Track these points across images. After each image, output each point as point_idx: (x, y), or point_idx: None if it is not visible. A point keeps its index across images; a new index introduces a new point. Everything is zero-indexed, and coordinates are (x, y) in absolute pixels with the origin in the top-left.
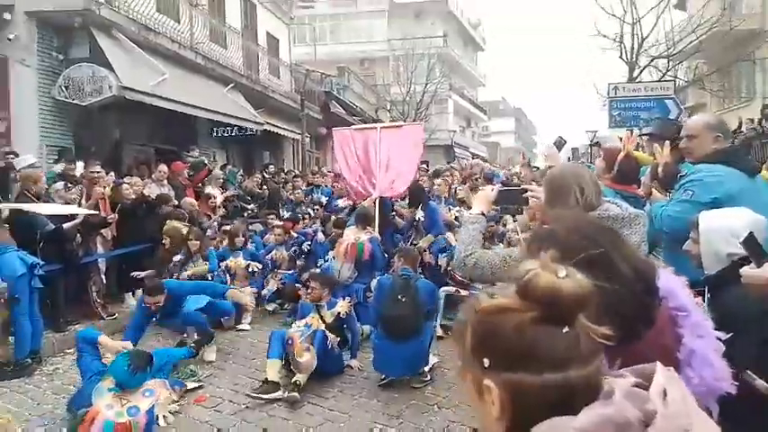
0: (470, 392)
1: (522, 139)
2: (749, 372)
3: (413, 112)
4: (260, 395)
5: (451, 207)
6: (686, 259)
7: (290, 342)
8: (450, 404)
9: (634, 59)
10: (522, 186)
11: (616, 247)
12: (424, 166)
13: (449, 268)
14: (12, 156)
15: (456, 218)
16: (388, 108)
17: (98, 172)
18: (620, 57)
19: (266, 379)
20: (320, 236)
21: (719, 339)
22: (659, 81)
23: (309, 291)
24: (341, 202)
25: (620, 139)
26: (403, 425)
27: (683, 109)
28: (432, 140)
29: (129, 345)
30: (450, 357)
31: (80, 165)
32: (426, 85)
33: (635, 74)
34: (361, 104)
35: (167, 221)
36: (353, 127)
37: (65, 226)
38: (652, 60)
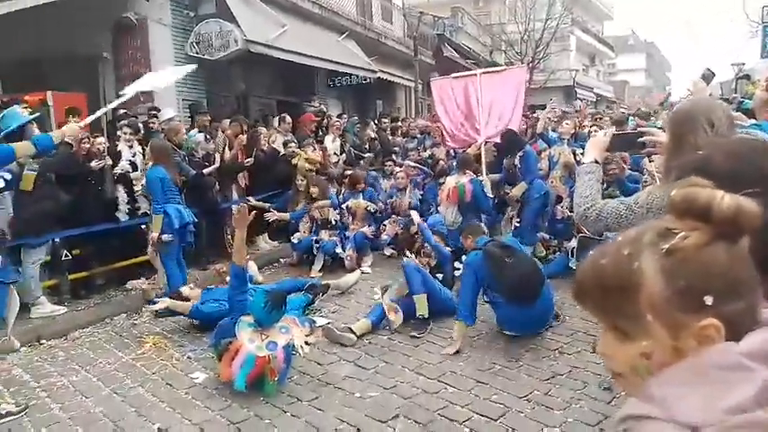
0: (656, 337)
1: (654, 77)
2: None
3: (531, 51)
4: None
5: (576, 149)
6: None
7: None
8: (572, 350)
9: None
10: (638, 130)
11: None
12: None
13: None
14: (155, 111)
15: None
16: (504, 49)
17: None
18: None
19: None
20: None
21: None
22: None
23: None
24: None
25: None
26: (522, 367)
27: None
28: (551, 81)
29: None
30: (571, 303)
31: (170, 111)
32: (546, 21)
33: None
34: (475, 47)
35: (299, 164)
36: (452, 75)
37: (204, 171)
38: None
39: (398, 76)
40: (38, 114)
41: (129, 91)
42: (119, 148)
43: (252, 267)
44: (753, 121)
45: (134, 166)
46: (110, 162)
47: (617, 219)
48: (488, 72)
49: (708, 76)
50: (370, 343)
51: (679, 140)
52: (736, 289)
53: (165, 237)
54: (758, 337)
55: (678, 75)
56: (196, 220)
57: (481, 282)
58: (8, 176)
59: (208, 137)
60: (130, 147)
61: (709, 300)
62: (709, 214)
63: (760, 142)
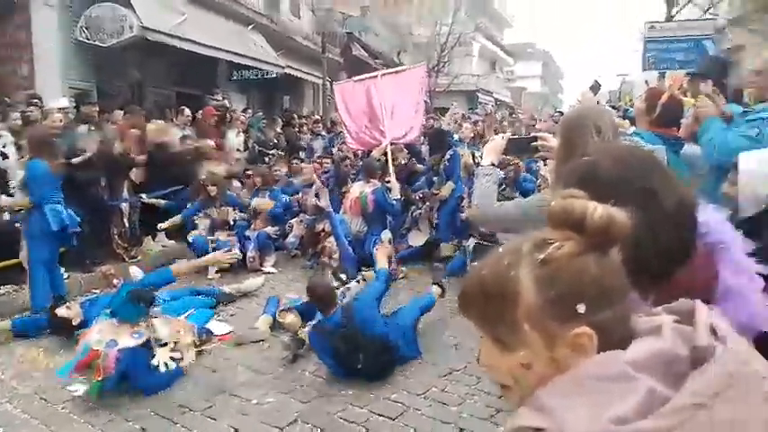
0: (533, 346)
1: (549, 85)
2: None
3: (436, 55)
4: None
5: (475, 152)
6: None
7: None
8: (468, 345)
9: None
10: (532, 134)
11: (661, 179)
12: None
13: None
14: (35, 99)
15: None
16: (411, 51)
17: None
18: None
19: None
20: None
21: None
22: (698, 20)
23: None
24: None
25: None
26: (421, 364)
27: (722, 50)
28: (455, 85)
29: None
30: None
31: (63, 100)
32: (452, 24)
33: (673, 12)
34: (383, 47)
35: (207, 169)
36: (354, 78)
37: (74, 161)
38: None
39: (306, 73)
40: None
41: None
42: None
43: (136, 271)
44: (633, 128)
45: (3, 156)
46: None
47: (512, 220)
48: (389, 74)
49: (595, 87)
50: (269, 347)
51: (569, 145)
52: (607, 297)
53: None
54: (644, 346)
55: (570, 83)
56: (79, 220)
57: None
58: None
59: (92, 128)
60: None
61: (581, 308)
62: (583, 225)
63: (646, 152)
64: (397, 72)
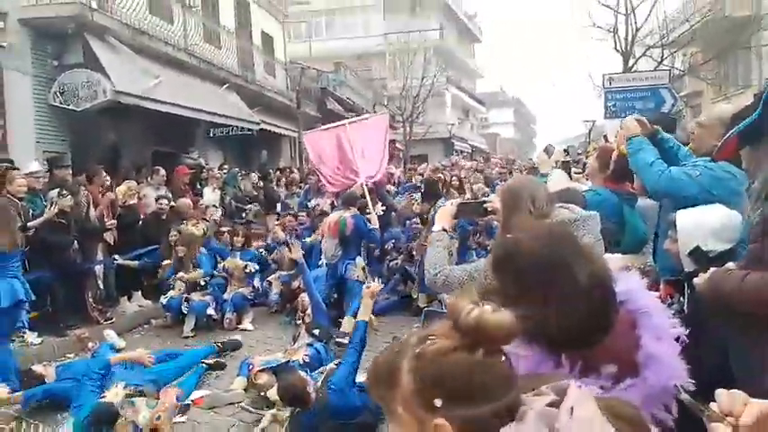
0: (408, 427)
1: (522, 130)
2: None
3: (410, 106)
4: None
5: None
6: None
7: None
8: None
9: (629, 49)
10: (480, 199)
11: (575, 254)
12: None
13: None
14: (7, 163)
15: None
16: (385, 103)
17: (105, 178)
18: (615, 48)
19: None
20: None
21: (685, 337)
22: (654, 71)
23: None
24: (318, 201)
25: (605, 137)
26: None
27: (678, 98)
28: (430, 134)
29: None
30: None
31: (35, 164)
32: (423, 78)
33: (630, 64)
34: (357, 100)
35: (182, 228)
36: (322, 127)
37: (29, 225)
38: (647, 50)
39: (282, 127)
40: None
41: None
42: None
43: (110, 335)
44: (588, 185)
45: None
46: None
47: (460, 284)
48: (354, 122)
49: (550, 150)
50: (244, 409)
51: (509, 212)
52: (468, 395)
53: None
54: None
55: (542, 127)
56: (31, 297)
57: None
58: None
59: (63, 192)
60: None
61: (438, 402)
62: (457, 325)
63: (563, 229)
64: (362, 120)
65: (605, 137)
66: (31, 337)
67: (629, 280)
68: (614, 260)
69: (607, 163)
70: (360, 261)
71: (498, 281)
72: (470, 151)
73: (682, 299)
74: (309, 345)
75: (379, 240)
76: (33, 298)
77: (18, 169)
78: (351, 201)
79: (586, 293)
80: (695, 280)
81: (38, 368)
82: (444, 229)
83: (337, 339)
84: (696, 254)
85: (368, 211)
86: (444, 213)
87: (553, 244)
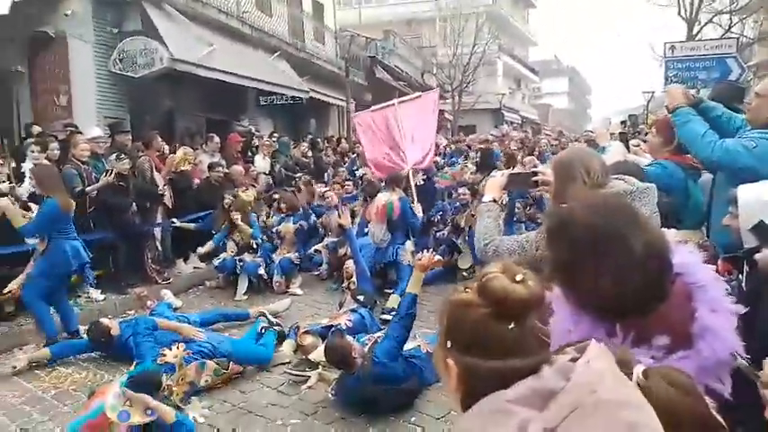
0: (439, 363)
1: (576, 101)
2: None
3: (459, 74)
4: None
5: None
6: None
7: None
8: None
9: (694, 16)
10: (531, 170)
11: (630, 224)
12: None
13: None
14: (72, 128)
15: None
16: (434, 72)
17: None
18: (679, 13)
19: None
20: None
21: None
22: (720, 39)
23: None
24: (365, 170)
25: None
26: (442, 388)
27: (746, 68)
28: (479, 104)
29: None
30: None
31: (96, 130)
32: (474, 46)
33: (695, 31)
34: (406, 68)
35: (235, 195)
36: (371, 108)
37: (87, 190)
38: (714, 16)
39: (331, 96)
40: None
41: None
42: (23, 169)
43: (167, 294)
44: (647, 159)
45: None
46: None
47: (510, 255)
48: (404, 101)
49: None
50: (287, 373)
51: (561, 184)
52: (477, 348)
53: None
54: (523, 385)
55: (597, 98)
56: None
57: None
58: None
59: (121, 156)
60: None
61: (448, 344)
62: (479, 285)
63: (619, 199)
64: (413, 99)
65: (667, 107)
66: (95, 293)
67: (686, 253)
68: (670, 234)
69: (671, 137)
70: (409, 245)
71: (552, 250)
72: (521, 122)
73: (740, 276)
74: (353, 311)
75: (419, 229)
76: (88, 259)
77: (82, 134)
78: (396, 181)
79: (641, 263)
80: (757, 255)
81: (104, 320)
82: (494, 200)
83: (383, 316)
84: (759, 229)
85: (411, 197)
86: (494, 184)
87: (608, 213)
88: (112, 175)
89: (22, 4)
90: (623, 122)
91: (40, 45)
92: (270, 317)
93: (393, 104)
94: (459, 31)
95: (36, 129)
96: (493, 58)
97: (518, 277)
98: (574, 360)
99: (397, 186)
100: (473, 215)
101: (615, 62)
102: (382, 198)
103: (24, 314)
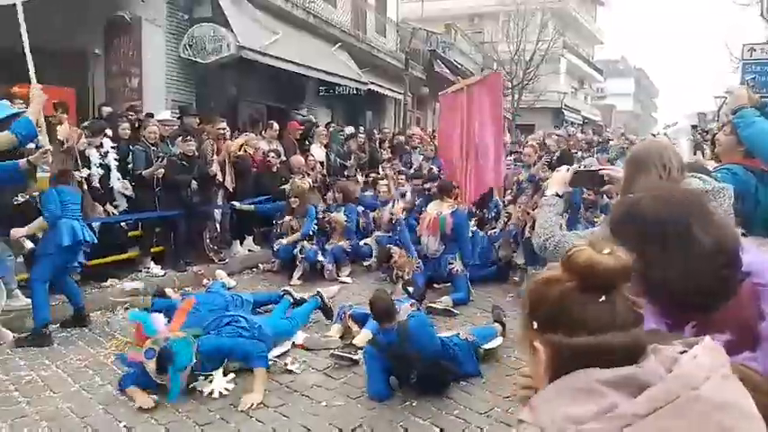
0: (525, 348)
1: (642, 102)
2: None
3: (521, 71)
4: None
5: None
6: None
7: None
8: None
9: None
10: (598, 167)
11: (700, 219)
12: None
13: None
14: (135, 110)
15: None
16: (495, 68)
17: (224, 129)
18: (761, 14)
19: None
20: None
21: None
22: None
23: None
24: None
25: None
26: (486, 384)
27: None
28: (540, 102)
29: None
30: None
31: (166, 113)
32: (538, 42)
33: None
34: (466, 63)
35: (291, 181)
36: (451, 88)
37: (144, 173)
38: None
39: (389, 89)
40: (23, 110)
41: None
42: (86, 153)
43: (221, 274)
44: (713, 164)
45: (106, 168)
46: (86, 173)
47: None
48: (471, 84)
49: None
50: (333, 356)
51: (632, 179)
52: (566, 325)
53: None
54: (622, 371)
55: (665, 101)
56: (95, 239)
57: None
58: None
59: (187, 138)
60: (99, 147)
61: (535, 324)
62: (565, 260)
63: (689, 192)
64: (475, 82)
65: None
66: (156, 269)
67: (758, 253)
68: (755, 241)
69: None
70: (459, 255)
71: (617, 241)
72: (582, 123)
73: None
74: (399, 301)
75: (470, 249)
76: (95, 241)
77: (152, 116)
78: (447, 189)
79: (710, 258)
80: None
81: (169, 291)
82: (558, 194)
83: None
84: None
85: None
86: (559, 178)
87: (677, 204)
88: (161, 163)
89: None
90: (695, 126)
91: (117, 29)
92: (294, 294)
93: (462, 89)
94: (522, 27)
95: (106, 109)
96: (556, 55)
97: (605, 250)
98: (681, 353)
99: (447, 196)
100: (528, 211)
101: (685, 64)
102: (433, 209)
103: (90, 283)
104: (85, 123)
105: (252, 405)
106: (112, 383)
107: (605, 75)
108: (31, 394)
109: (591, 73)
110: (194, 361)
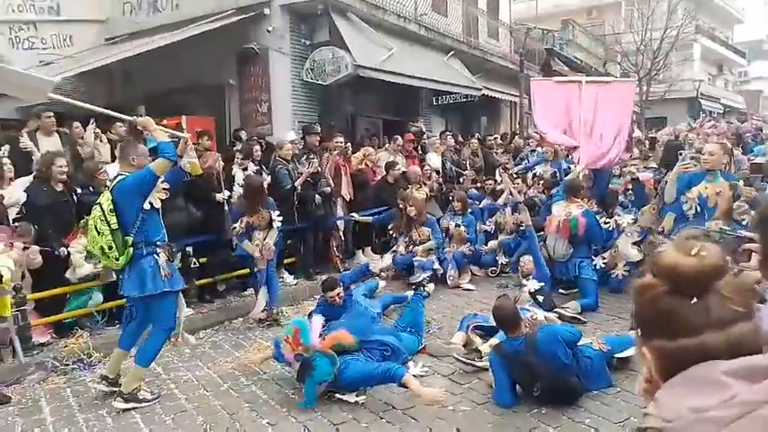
0: (639, 356)
1: None
2: None
3: (648, 62)
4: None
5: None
6: None
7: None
8: None
9: None
10: (738, 232)
11: None
12: None
13: None
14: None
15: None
16: (619, 60)
17: (340, 143)
18: None
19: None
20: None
21: None
22: None
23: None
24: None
25: None
26: (620, 393)
27: None
28: (671, 93)
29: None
30: None
31: (292, 133)
32: (667, 29)
33: None
34: (586, 58)
35: (408, 191)
36: (555, 79)
37: (296, 184)
38: None
39: (503, 92)
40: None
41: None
42: (233, 172)
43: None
44: None
45: None
46: (227, 194)
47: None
48: (593, 82)
49: None
50: (458, 360)
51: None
52: (666, 329)
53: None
54: (745, 361)
55: None
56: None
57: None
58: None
59: (311, 157)
60: (244, 170)
61: (639, 332)
62: (653, 268)
63: None
64: (604, 82)
65: None
66: (289, 278)
67: None
68: None
69: None
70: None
71: (761, 240)
72: (722, 112)
73: None
74: (525, 310)
75: (604, 240)
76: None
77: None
78: (575, 190)
79: None
80: None
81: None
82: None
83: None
84: None
85: (580, 202)
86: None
87: None
88: (312, 167)
89: (234, 24)
90: None
91: (247, 59)
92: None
93: (580, 81)
94: (648, 14)
95: (243, 134)
96: (688, 40)
97: (693, 251)
98: None
99: (575, 195)
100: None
101: None
102: (561, 211)
103: (233, 293)
104: (237, 147)
105: (434, 403)
106: (256, 384)
107: (748, 57)
108: (188, 392)
109: (730, 56)
110: (331, 379)
